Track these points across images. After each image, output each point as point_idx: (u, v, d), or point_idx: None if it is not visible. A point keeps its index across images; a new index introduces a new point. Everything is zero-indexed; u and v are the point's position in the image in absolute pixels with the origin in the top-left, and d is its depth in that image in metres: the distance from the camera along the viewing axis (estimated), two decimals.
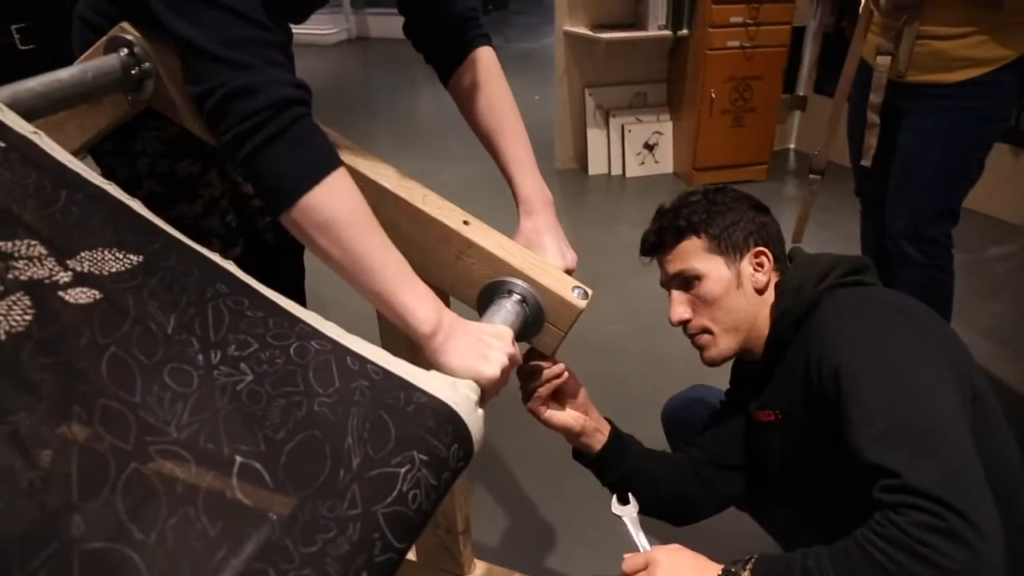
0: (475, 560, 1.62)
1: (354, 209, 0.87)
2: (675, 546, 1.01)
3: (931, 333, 1.01)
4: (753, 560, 0.93)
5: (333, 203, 0.85)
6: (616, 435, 1.27)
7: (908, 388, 0.91)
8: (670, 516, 1.32)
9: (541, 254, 1.14)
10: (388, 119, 5.57)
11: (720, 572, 0.95)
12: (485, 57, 1.21)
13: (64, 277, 0.73)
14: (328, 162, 0.86)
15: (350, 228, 0.86)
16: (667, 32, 3.87)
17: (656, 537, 1.14)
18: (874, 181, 2.15)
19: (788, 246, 1.27)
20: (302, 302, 1.53)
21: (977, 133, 1.95)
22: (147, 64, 1.03)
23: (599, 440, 1.25)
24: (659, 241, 1.25)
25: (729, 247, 1.19)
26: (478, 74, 1.20)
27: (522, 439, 2.20)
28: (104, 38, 1.02)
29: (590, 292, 1.06)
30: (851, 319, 1.03)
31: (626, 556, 1.02)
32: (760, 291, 1.19)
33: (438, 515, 1.47)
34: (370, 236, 0.87)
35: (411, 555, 1.63)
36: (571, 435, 1.22)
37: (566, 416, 1.19)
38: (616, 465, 1.26)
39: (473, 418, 0.81)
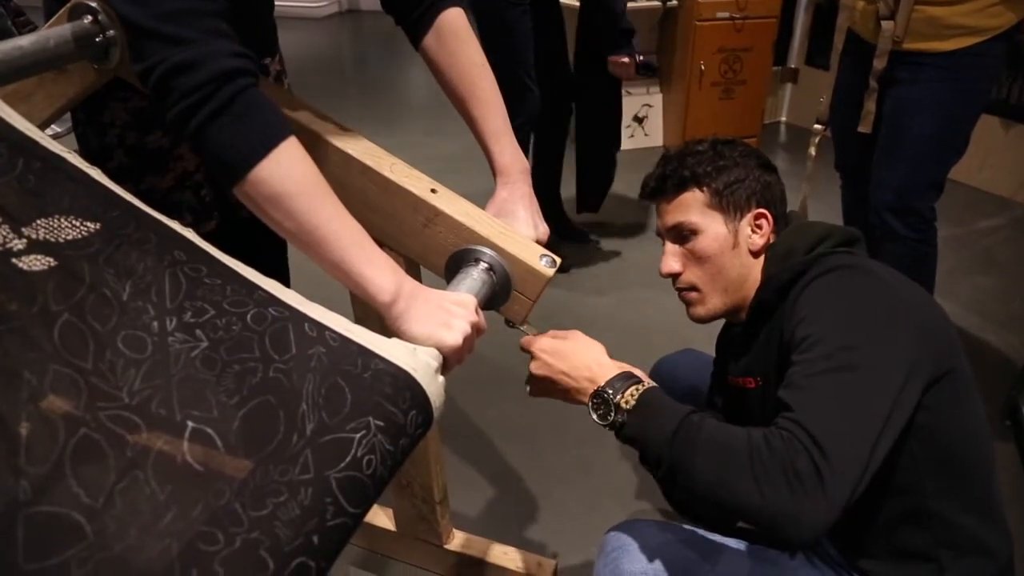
0: (453, 530, 1.64)
1: (305, 180, 0.86)
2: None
3: (908, 313, 0.99)
4: (644, 389, 0.99)
5: (282, 175, 0.84)
6: None
7: (851, 366, 0.91)
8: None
9: (513, 223, 1.13)
10: (380, 93, 5.54)
11: (595, 388, 1.02)
12: (454, 19, 1.18)
13: (18, 244, 0.73)
14: (276, 133, 0.85)
15: (301, 199, 0.84)
16: (657, 3, 3.84)
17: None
18: (856, 154, 2.14)
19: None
20: (284, 275, 1.54)
21: (967, 104, 1.94)
22: (112, 32, 1.01)
23: None
24: (659, 187, 1.21)
25: (730, 205, 1.16)
26: (447, 38, 1.18)
27: (504, 411, 2.21)
28: (67, 5, 1.01)
29: (558, 260, 1.06)
30: (831, 295, 1.02)
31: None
32: (755, 253, 1.17)
33: (414, 485, 1.48)
34: (323, 207, 0.86)
35: (389, 524, 1.64)
36: None
37: None
38: None
39: (433, 385, 0.81)
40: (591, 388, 1.02)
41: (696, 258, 1.17)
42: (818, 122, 2.19)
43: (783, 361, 1.04)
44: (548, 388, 1.08)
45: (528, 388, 1.11)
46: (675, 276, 1.20)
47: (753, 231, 1.17)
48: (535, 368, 1.08)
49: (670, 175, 1.20)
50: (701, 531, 1.14)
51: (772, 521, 0.84)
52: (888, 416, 0.89)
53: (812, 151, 2.20)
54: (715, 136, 1.24)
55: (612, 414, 0.99)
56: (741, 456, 0.86)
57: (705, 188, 1.17)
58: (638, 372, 1.04)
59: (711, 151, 1.19)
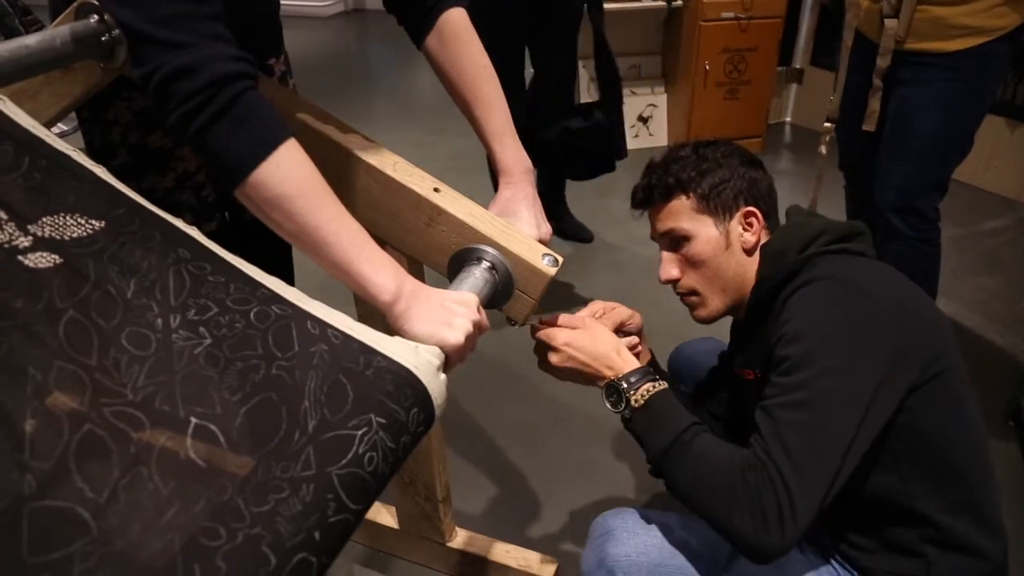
0: (456, 528, 1.64)
1: (304, 182, 0.86)
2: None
3: (888, 322, 0.99)
4: (654, 392, 1.05)
5: (282, 178, 0.84)
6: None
7: (823, 395, 0.95)
8: None
9: (515, 223, 1.14)
10: (386, 92, 5.54)
11: (613, 377, 1.09)
12: (456, 20, 1.18)
13: (24, 242, 0.73)
14: (275, 136, 0.84)
15: (301, 201, 0.85)
16: (662, 3, 3.84)
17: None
18: (859, 153, 2.14)
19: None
20: (289, 273, 1.54)
21: (971, 104, 1.93)
22: (117, 31, 1.02)
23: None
24: (647, 198, 1.23)
25: (718, 207, 1.17)
26: (449, 38, 1.18)
27: (506, 410, 2.22)
28: (74, 5, 1.02)
29: (560, 259, 1.06)
30: (810, 311, 1.02)
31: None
32: (749, 251, 1.17)
33: (417, 483, 1.48)
34: (323, 208, 0.86)
35: (392, 522, 1.65)
36: None
37: None
38: None
39: (435, 383, 0.82)
40: (610, 376, 1.09)
41: (692, 263, 1.19)
42: (828, 120, 2.19)
43: (769, 364, 1.06)
44: (567, 374, 1.13)
45: (540, 364, 1.17)
46: (674, 282, 1.22)
47: (744, 229, 1.18)
48: (558, 361, 1.12)
49: (656, 184, 1.21)
50: (686, 517, 1.15)
51: (734, 543, 0.94)
52: (855, 436, 0.94)
53: (823, 150, 2.21)
54: (696, 139, 1.25)
55: (622, 406, 1.06)
56: (720, 483, 0.95)
57: (691, 193, 1.18)
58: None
59: (693, 155, 1.20)
